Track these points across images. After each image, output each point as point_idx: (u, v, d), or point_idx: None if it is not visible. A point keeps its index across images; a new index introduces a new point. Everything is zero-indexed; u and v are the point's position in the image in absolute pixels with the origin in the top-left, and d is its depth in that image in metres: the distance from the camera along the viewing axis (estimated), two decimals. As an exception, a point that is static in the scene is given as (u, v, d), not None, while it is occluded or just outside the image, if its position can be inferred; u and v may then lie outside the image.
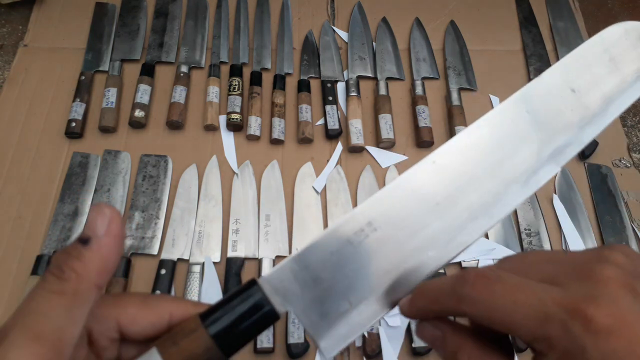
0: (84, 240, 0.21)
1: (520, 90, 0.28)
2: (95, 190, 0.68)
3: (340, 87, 0.80)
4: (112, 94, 0.75)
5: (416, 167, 0.26)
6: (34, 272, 0.61)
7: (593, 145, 0.74)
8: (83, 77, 0.77)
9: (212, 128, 0.74)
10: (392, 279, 0.24)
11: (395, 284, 0.24)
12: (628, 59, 0.29)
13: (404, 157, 0.74)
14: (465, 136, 0.27)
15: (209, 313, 0.23)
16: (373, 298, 0.24)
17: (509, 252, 0.66)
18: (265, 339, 0.58)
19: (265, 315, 0.24)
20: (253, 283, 0.24)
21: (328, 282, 0.24)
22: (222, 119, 0.75)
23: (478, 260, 0.65)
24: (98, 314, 0.23)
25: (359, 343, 0.60)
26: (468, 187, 0.26)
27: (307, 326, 0.24)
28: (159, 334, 0.24)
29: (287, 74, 0.81)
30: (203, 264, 0.63)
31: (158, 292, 0.60)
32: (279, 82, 0.78)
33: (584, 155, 0.74)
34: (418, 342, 0.59)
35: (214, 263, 0.64)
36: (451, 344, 0.23)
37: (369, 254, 0.25)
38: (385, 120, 0.75)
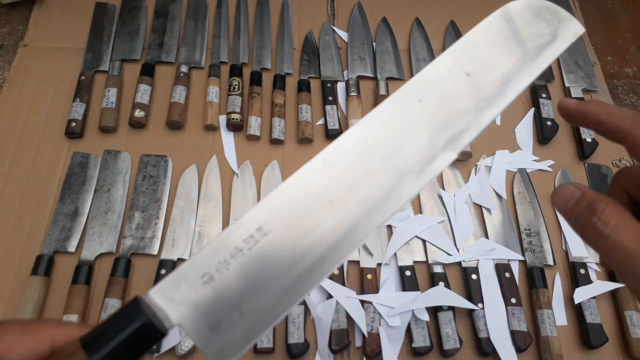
0: None
1: (412, 79, 0.27)
2: (95, 190, 0.68)
3: (340, 87, 0.80)
4: (112, 94, 0.75)
5: (307, 166, 0.26)
6: (34, 272, 0.61)
7: (593, 145, 0.74)
8: (83, 77, 0.77)
9: (212, 128, 0.74)
10: (286, 283, 0.24)
11: (289, 289, 0.24)
12: (525, 36, 0.28)
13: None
14: (356, 131, 0.26)
15: (90, 336, 0.23)
16: (265, 305, 0.23)
17: (508, 252, 0.66)
18: (265, 339, 0.58)
19: (147, 334, 0.23)
20: (135, 301, 0.23)
21: (217, 293, 0.23)
22: (222, 119, 0.76)
23: (478, 260, 0.65)
24: None
25: (359, 343, 0.60)
26: (360, 183, 0.25)
27: (196, 340, 0.23)
28: None
29: (287, 74, 0.81)
30: (203, 264, 0.63)
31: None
32: (279, 82, 0.78)
33: (584, 155, 0.74)
34: (418, 342, 0.59)
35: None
36: (589, 197, 0.23)
37: (260, 260, 0.24)
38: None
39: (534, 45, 0.28)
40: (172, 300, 0.23)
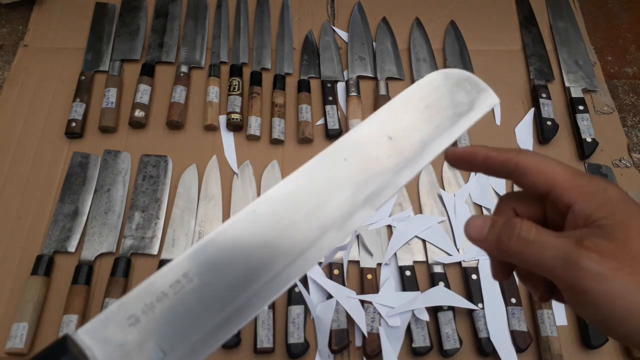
0: None
1: (339, 139, 0.29)
2: (95, 190, 0.68)
3: (340, 87, 0.80)
4: (112, 94, 0.75)
5: (237, 216, 0.27)
6: (34, 272, 0.61)
7: (593, 145, 0.74)
8: (83, 77, 0.77)
9: (212, 128, 0.74)
10: (208, 328, 0.25)
11: (210, 333, 0.25)
12: (444, 105, 0.30)
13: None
14: (285, 185, 0.28)
15: None
16: (188, 347, 0.25)
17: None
18: (265, 339, 0.58)
19: None
20: (63, 339, 0.24)
21: (142, 335, 0.24)
22: (222, 119, 0.75)
23: (478, 260, 0.65)
24: None
25: (359, 343, 0.60)
26: (285, 234, 0.27)
27: None
28: None
29: (287, 74, 0.81)
30: (203, 264, 0.63)
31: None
32: (279, 82, 0.78)
33: (584, 155, 0.74)
34: (418, 342, 0.59)
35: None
36: (500, 220, 0.27)
37: (184, 305, 0.25)
38: (385, 120, 0.75)
39: (451, 113, 0.30)
40: (99, 340, 0.24)
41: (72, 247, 0.64)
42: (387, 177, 0.29)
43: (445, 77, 0.31)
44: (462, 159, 0.29)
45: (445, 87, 0.31)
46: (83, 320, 0.59)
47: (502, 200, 0.30)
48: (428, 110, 0.30)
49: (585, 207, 0.25)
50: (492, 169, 0.28)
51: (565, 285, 0.24)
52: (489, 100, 0.31)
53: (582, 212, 0.25)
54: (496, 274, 0.30)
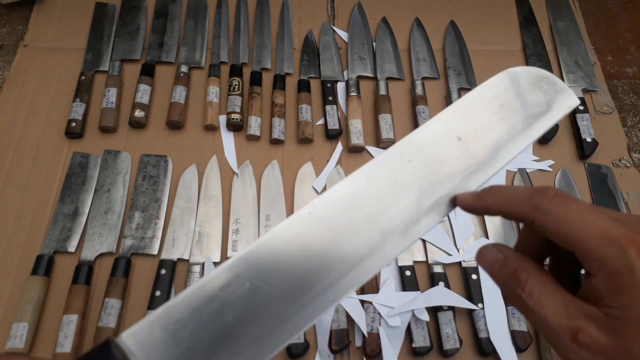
0: None
1: (403, 139, 0.27)
2: (95, 190, 0.68)
3: (340, 87, 0.80)
4: (112, 94, 0.75)
5: (291, 218, 0.25)
6: (34, 272, 0.61)
7: (593, 145, 0.74)
8: (83, 77, 0.77)
9: (212, 128, 0.74)
10: (259, 336, 0.23)
11: (263, 341, 0.23)
12: (521, 105, 0.28)
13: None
14: (343, 187, 0.26)
15: None
16: (235, 354, 0.23)
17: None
18: (265, 339, 0.58)
19: None
20: (107, 343, 0.22)
21: (190, 342, 0.23)
22: (222, 119, 0.75)
23: (478, 260, 0.65)
24: None
25: (359, 343, 0.60)
26: (343, 239, 0.25)
27: None
28: None
29: (287, 74, 0.81)
30: (203, 264, 0.63)
31: (158, 292, 0.60)
32: (279, 82, 0.78)
33: (584, 155, 0.74)
34: (418, 342, 0.59)
35: (214, 263, 0.64)
36: (512, 264, 0.24)
37: (234, 310, 0.23)
38: (385, 120, 0.75)
39: (528, 114, 0.28)
40: (143, 345, 0.23)
41: (72, 247, 0.64)
42: (456, 182, 0.26)
43: (520, 75, 0.29)
44: (473, 211, 0.26)
45: (520, 85, 0.28)
46: (83, 320, 0.59)
47: (528, 230, 0.27)
48: (501, 110, 0.28)
49: (602, 287, 0.21)
50: (507, 219, 0.25)
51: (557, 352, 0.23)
52: (569, 102, 0.28)
53: (598, 290, 0.21)
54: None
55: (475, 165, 0.27)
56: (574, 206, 0.22)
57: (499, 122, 0.28)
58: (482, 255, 0.25)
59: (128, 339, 0.23)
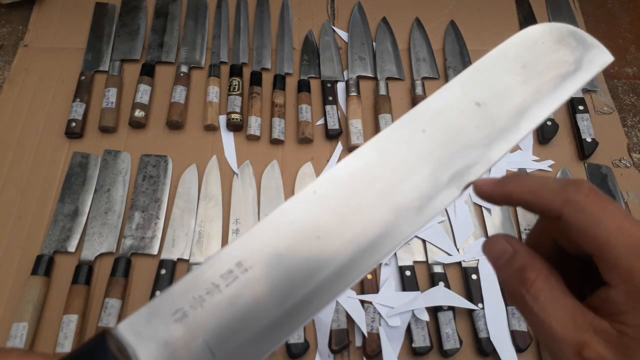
0: None
1: (416, 107, 0.25)
2: (95, 191, 0.68)
3: (340, 87, 0.80)
4: (112, 94, 0.75)
5: (295, 197, 0.23)
6: (34, 272, 0.61)
7: (593, 145, 0.74)
8: (83, 77, 0.77)
9: (212, 128, 0.74)
10: (264, 325, 0.21)
11: (267, 332, 0.21)
12: (546, 64, 0.25)
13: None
14: (351, 161, 0.24)
15: None
16: (240, 348, 0.21)
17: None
18: (265, 339, 0.58)
19: None
20: (102, 335, 0.21)
21: (189, 332, 0.21)
22: (222, 119, 0.76)
23: (478, 260, 0.65)
24: None
25: (359, 343, 0.60)
26: (353, 218, 0.23)
27: None
28: None
29: (287, 74, 0.81)
30: (203, 264, 0.63)
31: (158, 292, 0.60)
32: (279, 82, 0.78)
33: (584, 155, 0.74)
34: (418, 342, 0.59)
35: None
36: (521, 260, 0.22)
37: (237, 298, 0.22)
38: (385, 120, 0.75)
39: (554, 74, 0.25)
40: (141, 336, 0.21)
41: (72, 247, 0.64)
42: (476, 152, 0.24)
43: (544, 32, 0.26)
44: (492, 199, 0.24)
45: (545, 44, 0.26)
46: (83, 320, 0.59)
47: (542, 223, 0.25)
48: (524, 72, 0.25)
49: (621, 301, 0.19)
50: (531, 210, 0.23)
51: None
52: (601, 59, 0.25)
53: (614, 304, 0.20)
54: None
55: (497, 133, 0.24)
56: (610, 207, 0.20)
57: (521, 84, 0.25)
58: (490, 245, 0.23)
59: (125, 329, 0.21)
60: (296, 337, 0.58)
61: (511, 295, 0.22)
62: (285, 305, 0.22)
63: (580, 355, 0.19)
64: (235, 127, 0.75)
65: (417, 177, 0.24)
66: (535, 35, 0.26)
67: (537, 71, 0.25)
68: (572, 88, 0.25)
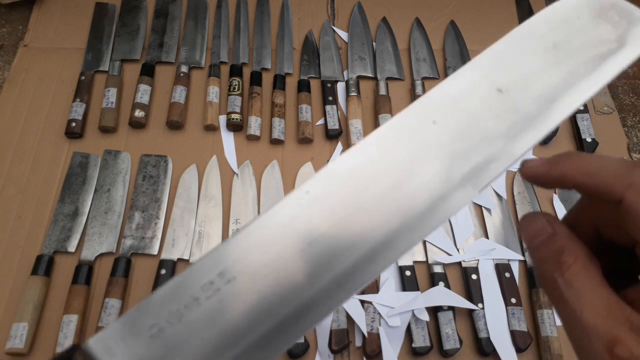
0: None
1: (425, 95, 0.22)
2: (95, 190, 0.68)
3: (340, 87, 0.80)
4: (112, 94, 0.75)
5: (287, 198, 0.21)
6: (34, 272, 0.61)
7: (593, 145, 0.74)
8: (83, 77, 0.77)
9: (212, 128, 0.74)
10: (248, 344, 0.19)
11: (252, 351, 0.19)
12: (581, 43, 0.22)
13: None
14: (350, 158, 0.21)
15: None
16: None
17: (509, 252, 0.66)
18: (265, 339, 0.58)
19: None
20: (72, 350, 0.20)
21: (165, 350, 0.19)
22: (222, 119, 0.76)
23: (478, 260, 0.65)
24: None
25: (359, 343, 0.60)
26: (351, 222, 0.20)
27: None
28: None
29: (287, 74, 0.81)
30: (203, 264, 0.63)
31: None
32: (279, 82, 0.78)
33: (584, 155, 0.74)
34: (418, 342, 0.59)
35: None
36: (560, 242, 0.20)
37: (219, 313, 0.19)
38: (385, 120, 0.75)
39: (591, 54, 0.22)
40: (112, 353, 0.19)
41: (72, 247, 0.64)
42: (496, 145, 0.21)
43: (578, 5, 0.22)
44: (543, 182, 0.21)
45: (580, 19, 0.22)
46: (83, 320, 0.59)
47: (586, 206, 0.22)
48: (555, 52, 0.22)
49: None
50: (584, 192, 0.20)
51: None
52: None
53: None
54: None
55: (522, 123, 0.21)
56: None
57: (552, 66, 0.22)
58: (526, 222, 0.21)
59: (95, 345, 0.19)
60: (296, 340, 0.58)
61: (542, 279, 0.20)
62: (273, 319, 0.19)
63: (612, 351, 0.17)
64: (235, 127, 0.75)
65: (425, 175, 0.21)
66: (568, 10, 0.23)
67: (571, 51, 0.22)
68: (613, 70, 0.22)
